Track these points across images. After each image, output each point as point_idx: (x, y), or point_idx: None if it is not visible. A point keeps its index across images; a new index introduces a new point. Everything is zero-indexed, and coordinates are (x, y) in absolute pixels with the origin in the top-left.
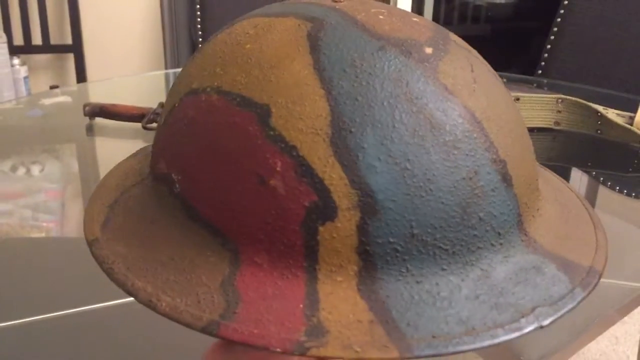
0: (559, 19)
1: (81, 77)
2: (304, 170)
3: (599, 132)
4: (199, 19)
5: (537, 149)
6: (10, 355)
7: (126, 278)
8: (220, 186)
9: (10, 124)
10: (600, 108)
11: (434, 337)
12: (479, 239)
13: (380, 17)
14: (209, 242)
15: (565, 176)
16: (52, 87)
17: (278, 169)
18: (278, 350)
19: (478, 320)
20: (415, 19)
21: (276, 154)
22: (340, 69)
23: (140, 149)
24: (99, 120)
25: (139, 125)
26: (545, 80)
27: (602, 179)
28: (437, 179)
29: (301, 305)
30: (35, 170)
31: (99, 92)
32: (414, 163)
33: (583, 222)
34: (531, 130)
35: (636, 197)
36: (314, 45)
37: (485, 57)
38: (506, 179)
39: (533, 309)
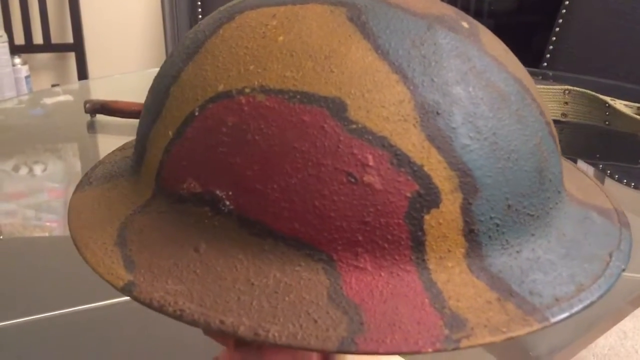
0: (564, 11)
1: (83, 75)
2: (400, 159)
3: (607, 123)
4: (200, 16)
5: None
6: (14, 354)
7: (208, 317)
8: (298, 193)
9: (12, 123)
10: (608, 99)
11: (557, 300)
12: (550, 200)
13: None
14: (290, 256)
15: None
16: (53, 86)
17: (371, 163)
18: (429, 350)
19: (580, 276)
20: None
21: (365, 148)
22: (404, 52)
23: (87, 176)
24: (100, 117)
25: None
26: (550, 73)
27: (609, 171)
28: (518, 147)
29: (426, 300)
30: (38, 169)
31: (100, 89)
32: (499, 136)
33: (573, 169)
34: None
35: None
36: (364, 30)
37: None
38: (555, 140)
39: (610, 255)
